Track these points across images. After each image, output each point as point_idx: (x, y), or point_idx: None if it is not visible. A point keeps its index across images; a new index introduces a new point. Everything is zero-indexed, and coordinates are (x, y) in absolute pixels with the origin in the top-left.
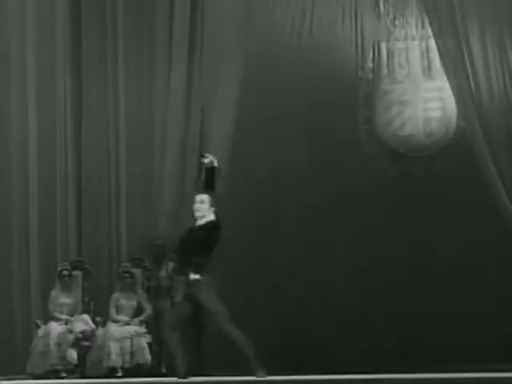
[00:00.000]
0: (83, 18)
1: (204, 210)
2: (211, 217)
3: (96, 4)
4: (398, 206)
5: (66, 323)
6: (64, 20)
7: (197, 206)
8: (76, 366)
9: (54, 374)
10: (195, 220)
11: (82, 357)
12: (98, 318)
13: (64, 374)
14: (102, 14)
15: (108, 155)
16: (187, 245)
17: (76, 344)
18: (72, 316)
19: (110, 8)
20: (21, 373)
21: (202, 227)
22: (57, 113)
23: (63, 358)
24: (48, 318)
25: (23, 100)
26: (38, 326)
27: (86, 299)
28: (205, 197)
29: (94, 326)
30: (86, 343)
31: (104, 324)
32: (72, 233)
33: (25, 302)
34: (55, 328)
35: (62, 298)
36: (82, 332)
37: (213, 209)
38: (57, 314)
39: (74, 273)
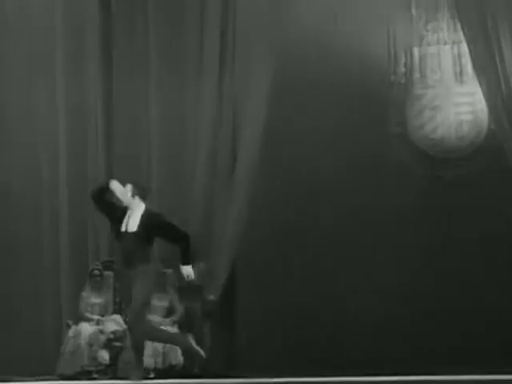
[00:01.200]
0: (113, 20)
1: (128, 201)
2: (142, 207)
3: (126, 3)
4: (430, 208)
5: (98, 323)
6: (94, 26)
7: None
8: (107, 366)
9: (85, 374)
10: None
11: (113, 357)
12: None
13: (95, 375)
14: (132, 14)
15: (140, 158)
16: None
17: (107, 345)
18: (103, 316)
19: (140, 6)
20: (51, 373)
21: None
22: (87, 117)
23: (94, 358)
24: (79, 318)
25: (52, 101)
26: (68, 327)
27: (117, 300)
28: (128, 188)
29: (125, 327)
30: (118, 344)
31: None
32: (103, 233)
33: (56, 303)
34: (86, 328)
35: (92, 299)
36: (114, 332)
37: (137, 197)
38: (88, 315)
39: (106, 273)
